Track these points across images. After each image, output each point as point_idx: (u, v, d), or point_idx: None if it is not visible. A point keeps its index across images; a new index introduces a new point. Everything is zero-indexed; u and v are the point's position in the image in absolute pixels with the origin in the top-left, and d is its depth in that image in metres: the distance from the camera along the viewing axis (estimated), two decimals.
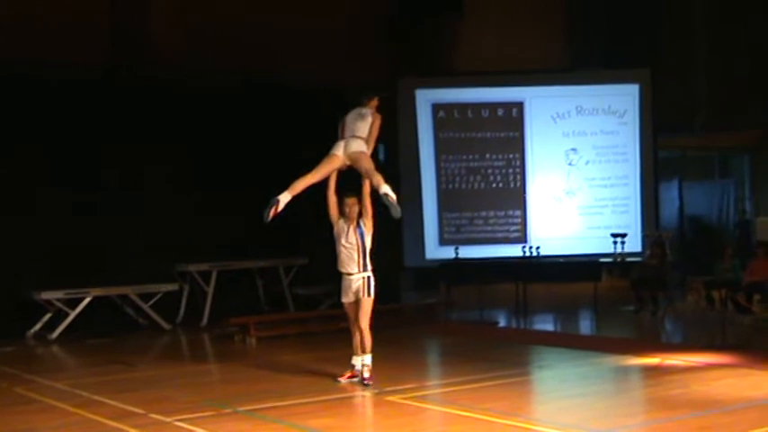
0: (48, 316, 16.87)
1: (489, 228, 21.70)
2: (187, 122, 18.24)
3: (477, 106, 21.75)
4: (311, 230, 16.25)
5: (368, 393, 10.86)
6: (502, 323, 18.18)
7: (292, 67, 18.88)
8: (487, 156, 21.69)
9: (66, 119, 17.35)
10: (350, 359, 11.51)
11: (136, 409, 10.22)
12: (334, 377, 11.57)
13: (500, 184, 21.73)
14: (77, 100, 17.52)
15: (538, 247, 19.57)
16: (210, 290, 18.14)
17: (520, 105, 21.80)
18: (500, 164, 21.72)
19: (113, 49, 18.06)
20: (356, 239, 11.32)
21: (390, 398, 10.60)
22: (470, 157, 21.68)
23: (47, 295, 16.53)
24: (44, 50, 16.87)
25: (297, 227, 16.40)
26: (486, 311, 18.28)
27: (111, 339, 16.37)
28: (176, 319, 18.19)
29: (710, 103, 23.39)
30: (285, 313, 18.19)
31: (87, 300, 16.85)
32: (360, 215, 11.37)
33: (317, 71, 19.10)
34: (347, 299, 11.45)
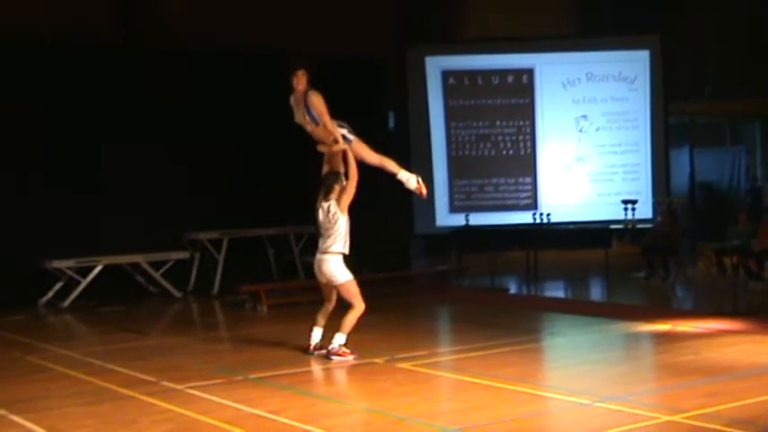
0: (59, 284, 16.93)
1: (500, 195, 21.69)
2: (195, 92, 18.22)
3: (488, 73, 21.69)
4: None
5: (379, 360, 10.87)
6: (512, 290, 18.19)
7: (300, 38, 18.79)
8: (498, 123, 21.65)
9: (75, 88, 17.34)
10: (359, 329, 11.47)
11: (147, 377, 10.25)
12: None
13: (510, 151, 21.70)
14: (86, 68, 17.51)
15: (548, 214, 19.54)
16: (221, 258, 18.16)
17: (530, 72, 21.73)
18: (510, 131, 21.67)
19: (123, 20, 18.05)
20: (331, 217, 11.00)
21: (401, 365, 10.61)
22: (480, 124, 21.64)
23: (58, 264, 16.59)
24: (53, 20, 16.89)
25: (307, 195, 16.35)
26: (496, 278, 18.28)
27: (123, 307, 16.42)
28: (187, 288, 18.23)
29: (721, 70, 23.27)
30: (296, 281, 18.20)
31: (98, 268, 16.89)
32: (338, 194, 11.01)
33: (325, 41, 19.02)
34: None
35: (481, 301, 16.55)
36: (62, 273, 16.81)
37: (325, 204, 10.98)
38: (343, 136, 11.21)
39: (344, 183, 11.00)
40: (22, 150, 16.86)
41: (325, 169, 11.26)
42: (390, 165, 11.67)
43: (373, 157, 11.53)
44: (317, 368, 10.61)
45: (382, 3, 20.93)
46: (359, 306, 10.94)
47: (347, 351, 10.90)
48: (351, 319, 10.93)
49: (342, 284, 10.96)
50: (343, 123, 11.33)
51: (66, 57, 17.29)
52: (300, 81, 11.24)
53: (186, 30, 18.09)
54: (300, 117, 11.29)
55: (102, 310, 16.19)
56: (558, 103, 21.67)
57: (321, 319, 11.28)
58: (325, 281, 11.09)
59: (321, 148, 11.32)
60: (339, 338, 10.93)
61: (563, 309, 15.38)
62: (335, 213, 10.87)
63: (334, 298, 11.19)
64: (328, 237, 10.94)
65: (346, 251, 10.98)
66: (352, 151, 11.19)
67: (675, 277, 17.53)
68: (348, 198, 10.92)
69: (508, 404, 8.60)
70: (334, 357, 10.85)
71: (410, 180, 11.64)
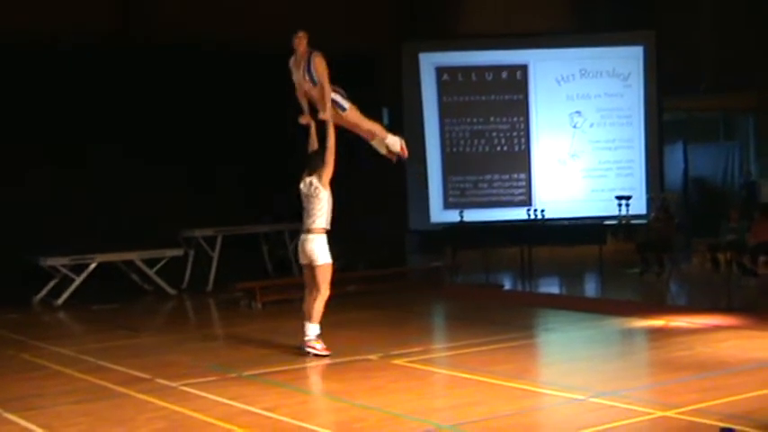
0: (53, 282, 16.91)
1: (494, 191, 21.70)
2: (190, 88, 18.22)
3: (481, 69, 21.70)
4: None
5: (374, 357, 10.87)
6: (507, 286, 18.19)
7: (293, 32, 18.77)
8: (492, 119, 21.65)
9: (69, 84, 17.34)
10: (352, 325, 11.51)
11: (142, 375, 10.25)
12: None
13: (504, 148, 21.71)
14: (81, 64, 17.52)
15: (543, 210, 19.55)
16: (216, 255, 18.16)
17: (524, 68, 21.74)
18: (504, 127, 21.68)
19: (120, 14, 18.04)
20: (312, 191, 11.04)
21: (396, 361, 10.61)
22: (475, 120, 21.65)
23: (52, 261, 16.57)
24: (52, 17, 16.90)
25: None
26: (491, 275, 18.27)
27: (117, 305, 16.40)
28: (182, 285, 18.23)
29: (715, 65, 23.28)
30: (290, 278, 18.19)
31: (93, 266, 16.87)
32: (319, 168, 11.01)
33: (319, 36, 18.97)
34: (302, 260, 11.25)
35: (475, 298, 16.56)
36: (56, 270, 16.78)
37: (307, 179, 11.06)
38: (337, 102, 11.24)
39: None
40: (19, 148, 16.84)
41: (310, 144, 11.31)
42: (381, 130, 11.85)
43: (366, 124, 11.66)
44: (311, 365, 10.60)
45: None
46: (325, 292, 11.01)
47: (324, 346, 10.90)
48: (318, 306, 10.97)
49: (320, 266, 10.98)
50: (338, 89, 11.37)
51: (64, 56, 17.28)
52: (301, 42, 11.35)
53: (181, 27, 18.08)
54: (300, 77, 11.33)
55: (96, 307, 16.17)
56: (552, 99, 21.68)
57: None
58: (306, 262, 11.10)
59: (302, 120, 11.33)
60: (313, 329, 10.94)
61: (557, 305, 15.38)
62: (317, 188, 10.95)
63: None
64: (311, 214, 11.01)
65: (328, 226, 11.03)
66: (346, 119, 11.35)
67: (670, 273, 17.53)
68: (328, 171, 10.98)
69: (503, 400, 8.60)
70: (309, 349, 10.84)
71: (395, 144, 11.71)
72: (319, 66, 11.21)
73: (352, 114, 11.45)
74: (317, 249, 10.97)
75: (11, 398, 9.38)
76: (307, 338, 10.93)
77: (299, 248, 11.19)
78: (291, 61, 11.43)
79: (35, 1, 17.15)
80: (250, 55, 18.50)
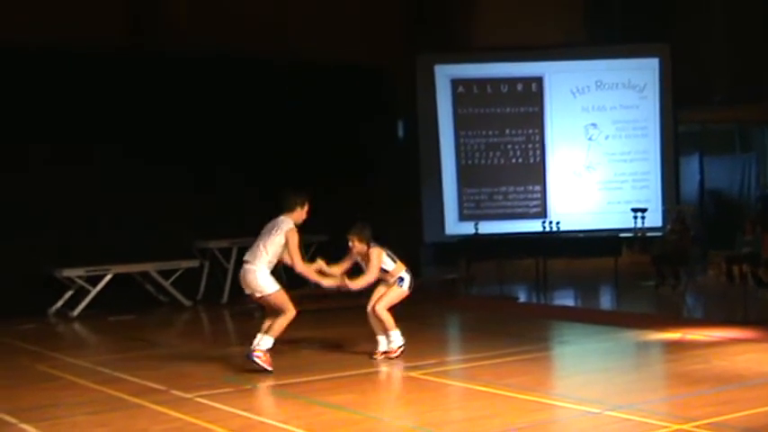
0: (69, 293, 16.95)
1: (509, 203, 21.66)
2: (202, 98, 18.26)
3: (497, 81, 21.69)
4: (331, 208, 16.30)
5: (386, 369, 10.86)
6: (522, 298, 18.17)
7: (308, 45, 18.85)
8: (507, 131, 21.63)
9: (83, 93, 17.39)
10: (370, 336, 11.51)
11: (157, 386, 10.25)
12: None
13: (520, 160, 21.68)
14: (94, 75, 17.56)
15: (558, 223, 19.54)
16: (231, 266, 18.15)
17: (539, 80, 21.72)
18: (520, 139, 21.66)
19: (129, 26, 18.10)
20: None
21: (411, 373, 10.61)
22: (490, 132, 21.63)
23: (68, 272, 16.62)
24: (60, 28, 16.97)
25: (316, 204, 16.48)
26: (506, 287, 18.26)
27: (132, 316, 16.43)
28: (197, 296, 18.24)
29: (729, 77, 23.21)
30: (305, 290, 18.17)
31: (108, 277, 16.91)
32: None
33: (333, 49, 19.08)
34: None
35: (490, 310, 16.54)
36: (72, 281, 16.83)
37: (281, 217, 10.88)
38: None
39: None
40: (34, 159, 16.89)
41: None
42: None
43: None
44: (326, 377, 10.59)
45: (391, 11, 20.96)
46: (290, 313, 10.76)
47: (269, 360, 10.61)
48: (282, 323, 10.71)
49: (270, 295, 10.73)
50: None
51: (79, 63, 17.33)
52: (355, 245, 11.41)
53: (190, 35, 18.14)
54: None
55: (111, 318, 16.20)
56: (568, 111, 21.65)
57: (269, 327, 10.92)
58: (249, 292, 10.84)
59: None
60: (266, 342, 10.65)
61: (572, 317, 15.36)
62: (285, 231, 10.73)
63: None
64: (263, 248, 10.74)
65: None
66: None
67: (685, 286, 17.49)
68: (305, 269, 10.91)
69: (518, 413, 8.58)
70: (254, 358, 10.55)
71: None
72: (376, 259, 11.32)
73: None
74: (261, 281, 10.70)
75: (26, 408, 9.40)
76: (257, 347, 10.61)
77: (240, 276, 10.89)
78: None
79: (48, 8, 17.20)
80: (265, 64, 18.58)
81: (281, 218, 10.89)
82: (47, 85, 17.09)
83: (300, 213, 10.90)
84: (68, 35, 16.94)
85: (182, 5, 18.62)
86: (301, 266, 10.83)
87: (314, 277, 11.05)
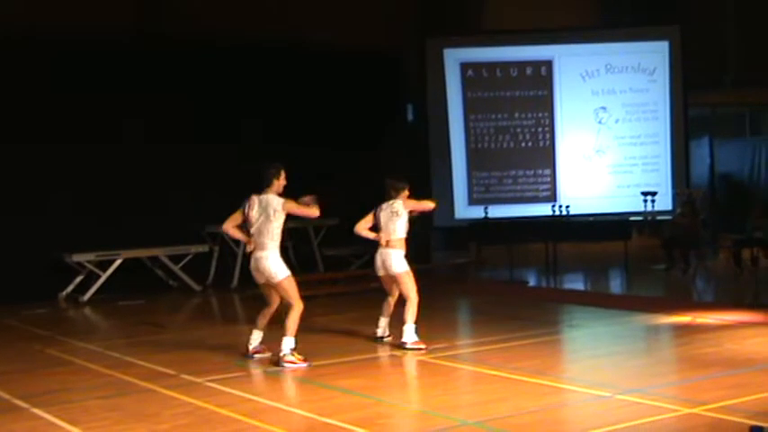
0: (79, 278, 17.01)
1: (519, 187, 21.62)
2: (212, 87, 18.26)
3: (506, 65, 21.62)
4: (341, 191, 16.31)
5: (398, 353, 10.87)
6: (532, 282, 18.17)
7: (319, 28, 18.82)
8: (516, 115, 21.57)
9: (95, 80, 17.39)
10: (376, 320, 11.53)
11: (167, 370, 10.29)
12: (372, 337, 11.56)
13: (529, 143, 21.63)
14: (104, 59, 17.56)
15: (567, 206, 19.49)
16: (240, 251, 18.16)
17: (549, 64, 21.64)
18: (529, 123, 21.60)
19: (140, 9, 18.10)
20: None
21: (421, 357, 10.62)
22: (499, 116, 21.57)
23: (78, 257, 16.66)
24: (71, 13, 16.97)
25: (327, 187, 16.51)
26: (515, 271, 18.25)
27: (142, 301, 16.48)
28: (207, 281, 18.28)
29: (740, 60, 23.13)
30: (315, 274, 18.21)
31: (118, 262, 16.96)
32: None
33: (343, 33, 19.04)
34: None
35: (500, 294, 16.54)
36: (82, 266, 16.87)
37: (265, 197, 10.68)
38: None
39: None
40: (45, 147, 16.89)
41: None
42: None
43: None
44: (336, 361, 10.60)
45: None
46: (298, 305, 10.53)
47: (300, 357, 10.42)
48: (294, 318, 10.47)
49: (280, 281, 10.52)
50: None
51: (93, 53, 17.34)
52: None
53: (202, 22, 18.11)
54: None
55: (121, 303, 16.25)
56: (577, 94, 21.58)
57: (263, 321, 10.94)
58: (263, 281, 10.65)
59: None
60: (288, 342, 10.41)
61: (582, 301, 15.35)
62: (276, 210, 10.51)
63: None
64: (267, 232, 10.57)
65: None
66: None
67: (695, 269, 17.46)
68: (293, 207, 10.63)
69: (528, 396, 8.59)
70: (286, 365, 10.31)
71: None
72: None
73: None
74: (273, 266, 10.51)
75: (38, 393, 9.44)
76: (283, 354, 10.36)
77: (252, 267, 10.67)
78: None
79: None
80: (276, 50, 18.56)
81: (265, 197, 10.61)
82: (63, 74, 17.14)
83: (279, 184, 10.64)
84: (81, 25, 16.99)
85: None
86: (317, 211, 10.70)
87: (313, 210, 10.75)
